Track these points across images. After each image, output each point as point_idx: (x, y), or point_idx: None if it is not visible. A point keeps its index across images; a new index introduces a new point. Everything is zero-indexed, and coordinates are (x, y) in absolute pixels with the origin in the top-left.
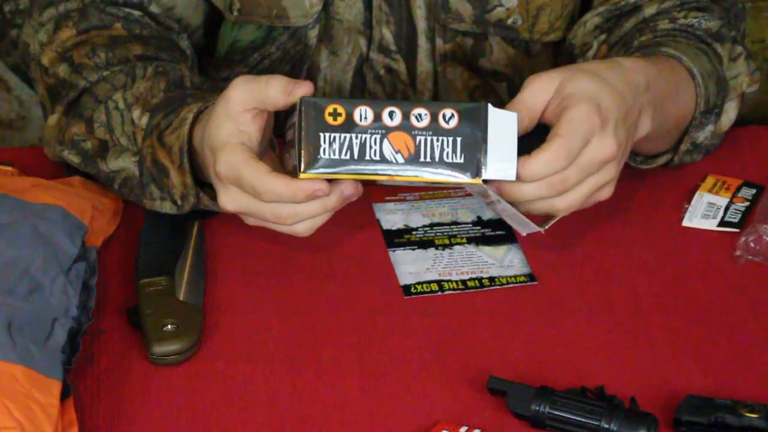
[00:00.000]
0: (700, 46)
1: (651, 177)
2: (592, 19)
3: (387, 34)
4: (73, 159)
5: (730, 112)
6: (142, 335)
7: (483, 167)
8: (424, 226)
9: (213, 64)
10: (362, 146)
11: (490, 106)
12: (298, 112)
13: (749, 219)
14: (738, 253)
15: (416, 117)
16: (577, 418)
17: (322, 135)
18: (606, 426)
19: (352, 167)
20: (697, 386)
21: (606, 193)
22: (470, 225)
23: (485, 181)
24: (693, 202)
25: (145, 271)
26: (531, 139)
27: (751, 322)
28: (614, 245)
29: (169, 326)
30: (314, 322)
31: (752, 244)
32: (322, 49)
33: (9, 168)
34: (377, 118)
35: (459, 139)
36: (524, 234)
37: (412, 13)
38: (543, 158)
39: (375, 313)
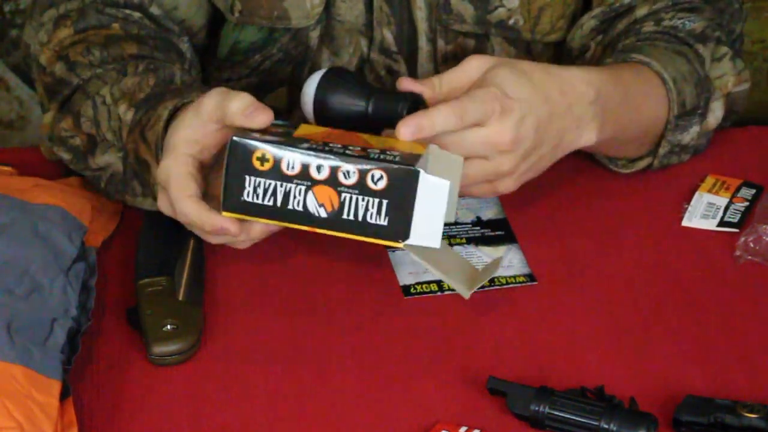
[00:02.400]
0: (679, 49)
1: (651, 177)
2: (588, 22)
3: (388, 36)
4: (64, 156)
5: (716, 111)
6: (142, 335)
7: (407, 233)
8: None
9: (215, 66)
10: (286, 195)
11: (422, 172)
12: (227, 150)
13: (749, 219)
14: (738, 253)
15: (344, 174)
16: (577, 419)
17: (247, 178)
18: (606, 426)
19: (274, 214)
20: (697, 386)
21: (506, 186)
22: (470, 225)
23: (409, 246)
24: (693, 202)
25: (144, 271)
26: None
27: (751, 322)
28: (614, 245)
29: (169, 326)
30: (314, 322)
31: (752, 244)
32: (323, 50)
33: (9, 168)
34: (304, 169)
35: (385, 202)
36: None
37: (413, 14)
38: (433, 114)
39: (375, 313)
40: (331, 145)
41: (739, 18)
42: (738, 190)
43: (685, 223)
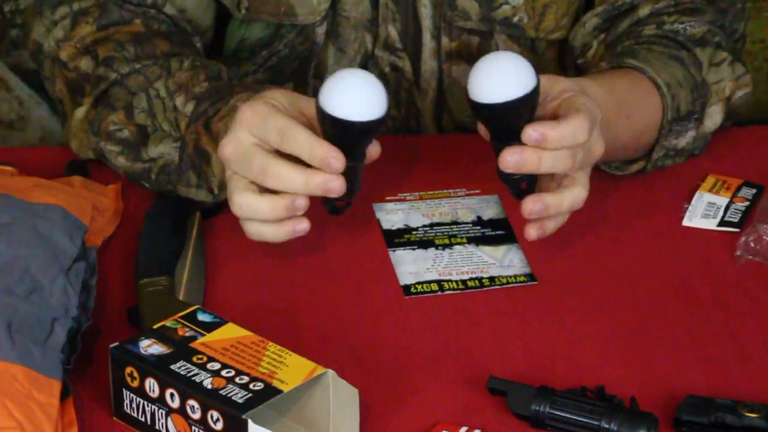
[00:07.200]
0: (676, 53)
1: (651, 177)
2: (591, 20)
3: (393, 32)
4: (113, 149)
5: (714, 116)
6: None
7: None
8: (424, 225)
9: (220, 62)
10: (152, 415)
11: (250, 422)
12: (110, 358)
13: (749, 219)
14: (738, 252)
15: (191, 408)
16: (578, 418)
17: (124, 391)
18: (606, 426)
19: (147, 430)
20: (698, 386)
21: None
22: (470, 225)
23: None
24: (693, 201)
25: (145, 271)
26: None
27: (751, 322)
28: (614, 245)
29: None
30: (314, 322)
31: (752, 244)
32: (329, 46)
33: (9, 168)
34: (162, 395)
35: None
36: None
37: (418, 11)
38: (571, 124)
39: (375, 313)
40: (212, 364)
41: (741, 17)
42: (738, 189)
43: (685, 222)
